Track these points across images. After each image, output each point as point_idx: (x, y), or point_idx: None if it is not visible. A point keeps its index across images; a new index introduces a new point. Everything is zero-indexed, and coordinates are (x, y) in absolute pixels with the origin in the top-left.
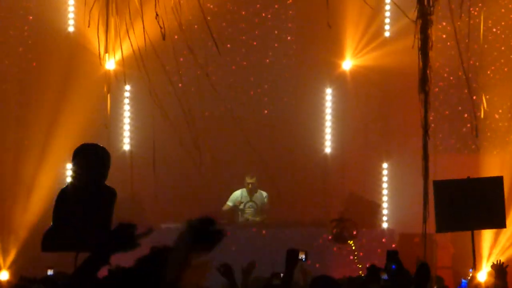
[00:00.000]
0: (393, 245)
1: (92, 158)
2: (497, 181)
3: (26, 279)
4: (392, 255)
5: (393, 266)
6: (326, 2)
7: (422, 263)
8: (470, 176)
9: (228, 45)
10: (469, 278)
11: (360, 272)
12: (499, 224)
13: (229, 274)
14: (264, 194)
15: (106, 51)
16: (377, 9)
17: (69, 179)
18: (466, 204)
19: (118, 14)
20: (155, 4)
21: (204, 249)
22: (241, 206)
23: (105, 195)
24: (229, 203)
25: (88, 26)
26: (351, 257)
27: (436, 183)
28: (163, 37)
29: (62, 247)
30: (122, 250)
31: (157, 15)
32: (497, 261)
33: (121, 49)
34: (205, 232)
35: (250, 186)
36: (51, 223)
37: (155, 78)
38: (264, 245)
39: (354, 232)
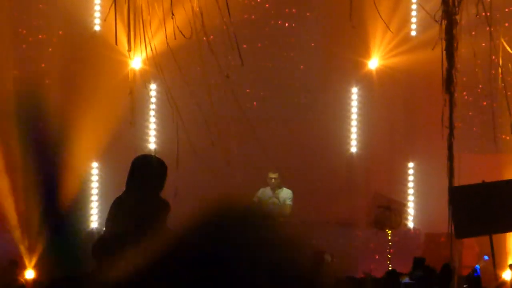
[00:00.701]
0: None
1: (151, 170)
2: None
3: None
4: (418, 262)
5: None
6: (350, 2)
7: (445, 264)
8: (488, 177)
9: (259, 45)
10: (482, 265)
11: (390, 267)
12: None
13: None
14: (289, 192)
15: (130, 49)
16: (405, 10)
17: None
18: (484, 209)
19: (144, 13)
20: (170, 6)
21: None
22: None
23: (160, 208)
24: (254, 199)
25: (115, 26)
26: (387, 249)
27: (452, 189)
28: (192, 34)
29: (112, 256)
30: None
31: (173, 15)
32: None
33: (146, 48)
34: None
35: (273, 180)
36: (104, 231)
37: (179, 78)
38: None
39: (396, 224)
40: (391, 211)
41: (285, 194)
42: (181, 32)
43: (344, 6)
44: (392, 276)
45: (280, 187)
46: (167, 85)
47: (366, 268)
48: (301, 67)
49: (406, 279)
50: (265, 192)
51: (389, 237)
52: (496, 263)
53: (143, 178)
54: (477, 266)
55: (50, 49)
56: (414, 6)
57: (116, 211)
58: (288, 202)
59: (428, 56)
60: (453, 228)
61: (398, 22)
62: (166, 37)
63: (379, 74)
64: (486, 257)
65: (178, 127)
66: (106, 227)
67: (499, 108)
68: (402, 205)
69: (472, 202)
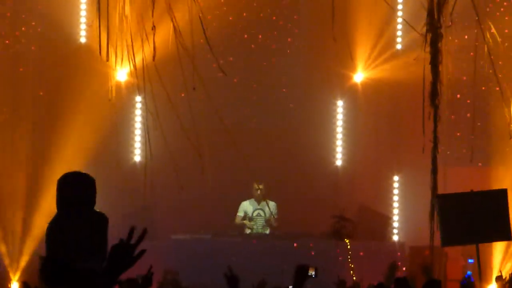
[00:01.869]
0: (398, 263)
1: (75, 185)
2: (501, 194)
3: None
4: (401, 283)
5: None
6: (332, 15)
7: (431, 280)
8: (473, 190)
9: (244, 57)
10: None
11: (354, 276)
12: (505, 236)
13: (234, 284)
14: (273, 204)
15: (108, 59)
16: (389, 22)
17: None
18: (471, 217)
19: (131, 25)
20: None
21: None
22: (249, 214)
23: (97, 221)
24: (239, 213)
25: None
26: (348, 258)
27: (440, 197)
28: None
29: (63, 281)
30: (124, 270)
31: (153, 27)
32: (500, 272)
33: (130, 61)
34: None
35: (258, 192)
36: (44, 256)
37: (163, 90)
38: (273, 257)
39: (351, 233)
40: (345, 220)
41: (271, 206)
42: (180, 39)
43: (330, 19)
44: None
45: (264, 199)
46: (152, 97)
47: (351, 279)
48: (287, 80)
49: None
50: (250, 204)
51: (348, 246)
52: (481, 275)
53: (69, 196)
54: (469, 272)
55: (34, 59)
56: (399, 20)
57: (51, 235)
58: (274, 210)
59: (413, 70)
60: (438, 236)
61: (384, 36)
62: (154, 48)
63: (364, 87)
64: (471, 260)
65: (166, 139)
66: (46, 253)
67: (485, 121)
68: (387, 218)
69: (459, 210)
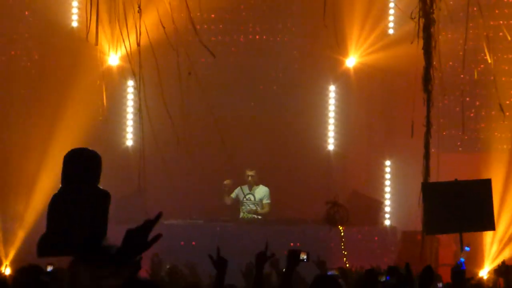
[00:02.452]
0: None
1: (82, 162)
2: (486, 184)
3: (34, 268)
4: (393, 271)
5: (387, 277)
6: (324, 2)
7: (426, 266)
8: (465, 175)
9: (235, 45)
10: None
11: (347, 263)
12: (488, 226)
13: (221, 267)
14: (266, 189)
15: (96, 43)
16: (382, 7)
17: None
18: (455, 207)
19: (124, 9)
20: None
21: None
22: (240, 198)
23: (98, 198)
24: (232, 195)
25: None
26: (341, 244)
27: (424, 185)
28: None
29: (58, 252)
30: (139, 253)
31: (139, 10)
32: (501, 262)
33: (125, 45)
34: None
35: (249, 178)
36: (46, 229)
37: (155, 75)
38: (265, 242)
39: (345, 219)
40: (339, 206)
41: (262, 191)
42: (172, 24)
43: (321, 5)
44: (371, 275)
45: (257, 184)
46: (143, 82)
47: (343, 265)
48: (279, 65)
49: (383, 278)
50: (242, 189)
51: (342, 233)
52: (473, 260)
53: (76, 172)
54: (462, 259)
55: (26, 44)
56: (391, 5)
57: (55, 208)
58: (266, 200)
59: (405, 53)
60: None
61: (374, 20)
62: (147, 33)
63: (356, 72)
64: (467, 248)
65: (147, 123)
66: (47, 225)
67: (478, 108)
68: (379, 203)
69: (443, 199)
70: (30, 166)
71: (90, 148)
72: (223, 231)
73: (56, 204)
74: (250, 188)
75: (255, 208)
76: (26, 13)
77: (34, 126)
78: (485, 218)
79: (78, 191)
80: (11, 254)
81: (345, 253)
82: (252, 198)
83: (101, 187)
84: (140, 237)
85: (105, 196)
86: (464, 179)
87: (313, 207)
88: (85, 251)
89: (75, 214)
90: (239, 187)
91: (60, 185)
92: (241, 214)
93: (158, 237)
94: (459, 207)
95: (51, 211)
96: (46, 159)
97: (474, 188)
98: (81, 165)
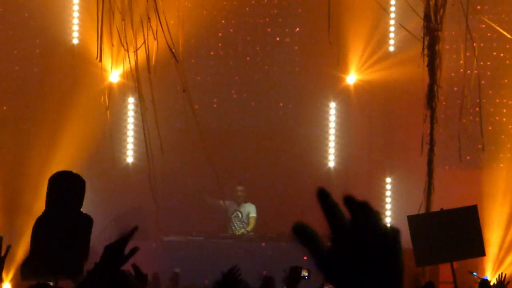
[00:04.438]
0: None
1: (66, 185)
2: (472, 210)
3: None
4: None
5: None
6: (328, 18)
7: (428, 281)
8: (443, 208)
9: (236, 60)
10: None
11: None
12: (478, 252)
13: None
14: (253, 206)
15: (100, 58)
16: (383, 25)
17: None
18: (443, 236)
19: (124, 26)
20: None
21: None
22: (229, 214)
23: (81, 222)
24: (225, 203)
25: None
26: None
27: (410, 218)
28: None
29: (41, 275)
30: (116, 268)
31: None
32: (499, 275)
33: (129, 61)
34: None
35: (239, 193)
36: (29, 252)
37: (157, 91)
38: (264, 259)
39: None
40: None
41: (249, 208)
42: (169, 40)
43: (323, 21)
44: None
45: (245, 201)
46: (143, 98)
47: None
48: (279, 81)
49: None
50: (230, 206)
51: None
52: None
53: (60, 195)
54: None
55: (27, 62)
56: (392, 22)
57: (38, 230)
58: (252, 214)
59: (406, 72)
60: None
61: (376, 39)
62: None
63: (357, 89)
64: (475, 274)
65: (151, 141)
66: (30, 248)
67: (476, 125)
68: None
69: (431, 230)
70: (30, 183)
71: (75, 172)
72: (223, 248)
73: (40, 227)
74: (238, 205)
75: (242, 225)
76: (25, 25)
77: (33, 143)
78: (474, 245)
79: (61, 215)
80: (12, 271)
81: None
82: (240, 215)
83: (83, 211)
84: (116, 252)
85: (88, 221)
86: (462, 196)
87: (314, 224)
88: (69, 274)
89: (58, 238)
90: (232, 201)
91: (44, 208)
92: (232, 230)
93: (134, 250)
94: (448, 236)
95: (35, 234)
96: (45, 176)
97: (461, 216)
98: (65, 189)
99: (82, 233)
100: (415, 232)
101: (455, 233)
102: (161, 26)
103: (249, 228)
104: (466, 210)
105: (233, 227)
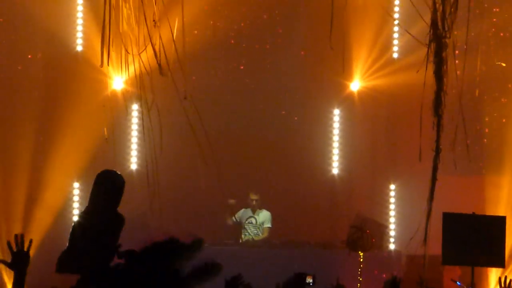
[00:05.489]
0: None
1: (108, 185)
2: (501, 221)
3: None
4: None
5: None
6: (331, 24)
7: None
8: (475, 212)
9: (241, 66)
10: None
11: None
12: (499, 263)
13: None
14: (268, 214)
15: (102, 65)
16: (387, 32)
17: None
18: (471, 240)
19: (127, 32)
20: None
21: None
22: (243, 221)
23: (115, 222)
24: (237, 215)
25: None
26: (359, 271)
27: (446, 215)
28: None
29: (75, 270)
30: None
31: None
32: (503, 279)
33: (134, 67)
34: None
35: (254, 202)
36: (67, 246)
37: (161, 98)
38: (269, 266)
39: (367, 246)
40: (363, 232)
41: (264, 216)
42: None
43: (327, 27)
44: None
45: (260, 208)
46: (147, 105)
47: None
48: (283, 88)
49: None
50: (245, 212)
51: (361, 259)
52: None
53: (103, 193)
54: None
55: (31, 68)
56: (396, 29)
57: (78, 225)
58: (267, 224)
59: (410, 79)
60: (431, 245)
61: (380, 45)
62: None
63: (361, 96)
64: (458, 283)
65: (154, 147)
66: (68, 242)
67: (482, 130)
68: (383, 227)
69: (461, 231)
70: (35, 189)
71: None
72: (227, 255)
73: (80, 223)
74: (254, 212)
75: (256, 231)
76: (29, 32)
77: (38, 149)
78: (496, 255)
79: (101, 213)
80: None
81: (360, 278)
82: (254, 221)
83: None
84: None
85: (121, 221)
86: (469, 203)
87: (317, 231)
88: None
89: (94, 235)
90: (243, 209)
91: (87, 205)
92: (243, 237)
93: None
94: (474, 241)
95: (74, 229)
96: (50, 182)
97: (489, 224)
98: (109, 189)
99: (113, 232)
100: (447, 230)
101: (481, 239)
102: (171, 30)
103: (262, 236)
104: (495, 219)
105: (246, 233)
